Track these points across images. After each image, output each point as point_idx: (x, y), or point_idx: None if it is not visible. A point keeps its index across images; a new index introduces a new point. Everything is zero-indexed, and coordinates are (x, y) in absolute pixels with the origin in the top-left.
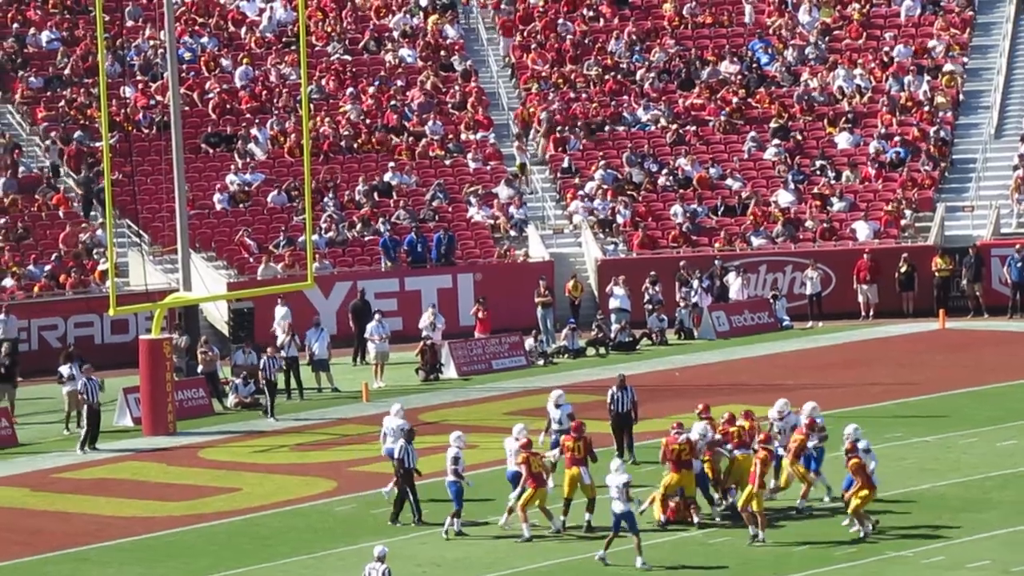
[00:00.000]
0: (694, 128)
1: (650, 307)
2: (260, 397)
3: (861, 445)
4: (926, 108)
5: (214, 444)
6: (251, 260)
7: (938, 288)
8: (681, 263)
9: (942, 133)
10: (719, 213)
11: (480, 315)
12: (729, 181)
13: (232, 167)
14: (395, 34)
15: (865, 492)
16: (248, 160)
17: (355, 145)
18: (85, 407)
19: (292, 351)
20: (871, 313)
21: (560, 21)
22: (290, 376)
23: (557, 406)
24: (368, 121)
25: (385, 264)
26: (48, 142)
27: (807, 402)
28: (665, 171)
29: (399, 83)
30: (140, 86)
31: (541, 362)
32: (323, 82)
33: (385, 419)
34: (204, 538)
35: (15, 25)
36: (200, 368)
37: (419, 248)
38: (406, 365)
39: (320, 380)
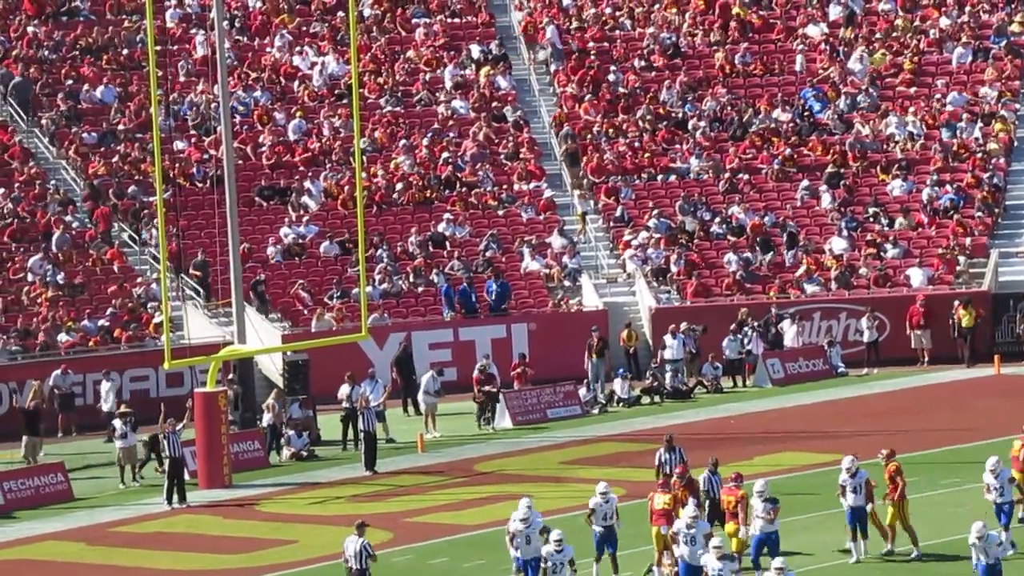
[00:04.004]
0: (747, 176)
1: (690, 356)
2: (315, 449)
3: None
4: (978, 155)
5: (270, 496)
6: (305, 312)
7: (967, 338)
8: (743, 309)
9: (995, 179)
10: (769, 251)
11: (519, 372)
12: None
13: (286, 219)
14: (447, 86)
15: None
16: (302, 212)
17: (408, 196)
18: (167, 461)
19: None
20: (926, 359)
21: (612, 71)
22: (347, 427)
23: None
24: (421, 172)
25: (448, 314)
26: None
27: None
28: (718, 219)
29: (452, 134)
30: (193, 140)
31: (596, 411)
32: (376, 134)
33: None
34: None
35: (69, 81)
36: (269, 419)
37: (473, 298)
38: (461, 415)
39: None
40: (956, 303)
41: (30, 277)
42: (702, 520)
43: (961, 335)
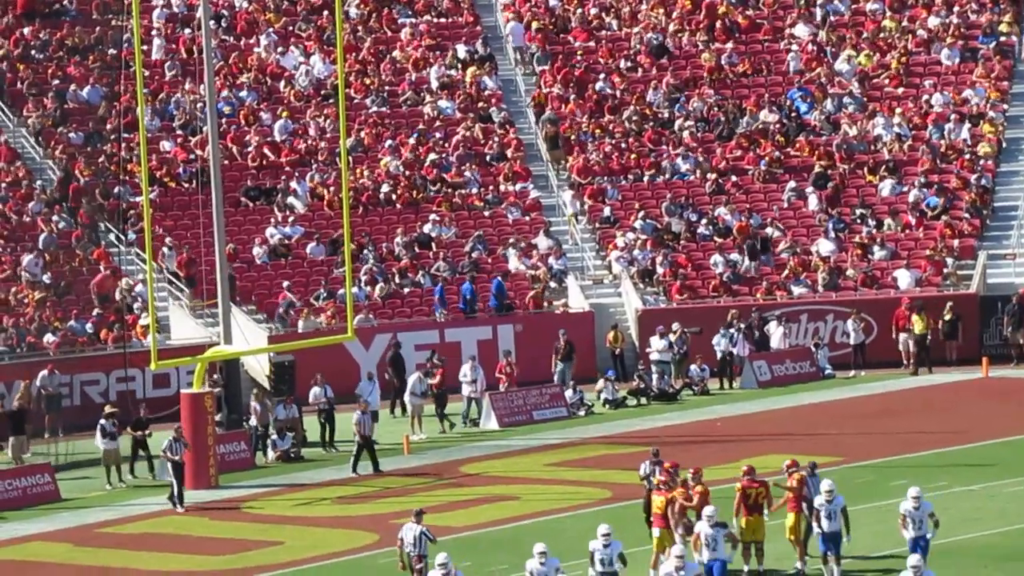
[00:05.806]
0: (734, 177)
1: (679, 357)
2: (300, 450)
3: None
4: (966, 156)
5: (256, 497)
6: (291, 313)
7: (918, 344)
8: (732, 310)
9: (983, 181)
10: (755, 252)
11: (506, 371)
12: (769, 230)
13: (272, 220)
14: (433, 86)
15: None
16: (288, 213)
17: (394, 197)
18: (169, 464)
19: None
20: (911, 361)
21: (599, 72)
22: (325, 427)
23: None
24: (407, 173)
25: (440, 313)
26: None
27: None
28: (704, 221)
29: (438, 135)
30: (179, 140)
31: (582, 412)
32: (362, 135)
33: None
34: None
35: (55, 81)
36: (254, 421)
37: (475, 297)
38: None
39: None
40: (941, 307)
41: (26, 276)
42: (691, 562)
43: (916, 342)
